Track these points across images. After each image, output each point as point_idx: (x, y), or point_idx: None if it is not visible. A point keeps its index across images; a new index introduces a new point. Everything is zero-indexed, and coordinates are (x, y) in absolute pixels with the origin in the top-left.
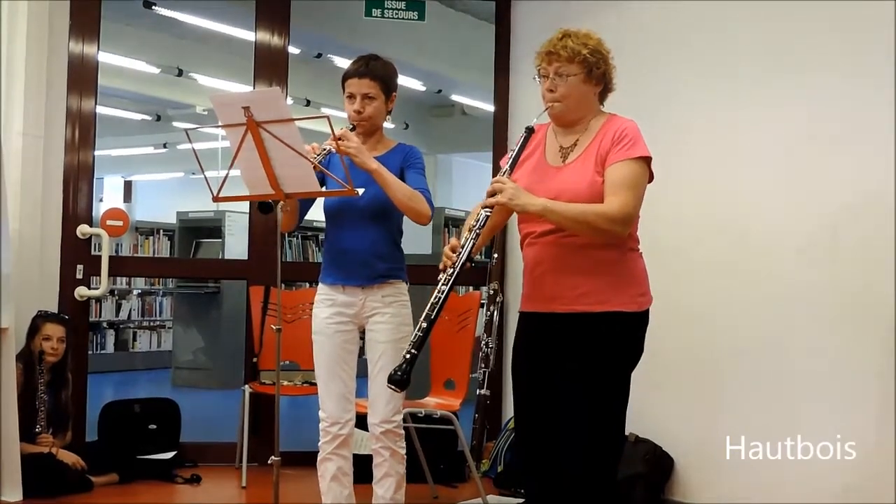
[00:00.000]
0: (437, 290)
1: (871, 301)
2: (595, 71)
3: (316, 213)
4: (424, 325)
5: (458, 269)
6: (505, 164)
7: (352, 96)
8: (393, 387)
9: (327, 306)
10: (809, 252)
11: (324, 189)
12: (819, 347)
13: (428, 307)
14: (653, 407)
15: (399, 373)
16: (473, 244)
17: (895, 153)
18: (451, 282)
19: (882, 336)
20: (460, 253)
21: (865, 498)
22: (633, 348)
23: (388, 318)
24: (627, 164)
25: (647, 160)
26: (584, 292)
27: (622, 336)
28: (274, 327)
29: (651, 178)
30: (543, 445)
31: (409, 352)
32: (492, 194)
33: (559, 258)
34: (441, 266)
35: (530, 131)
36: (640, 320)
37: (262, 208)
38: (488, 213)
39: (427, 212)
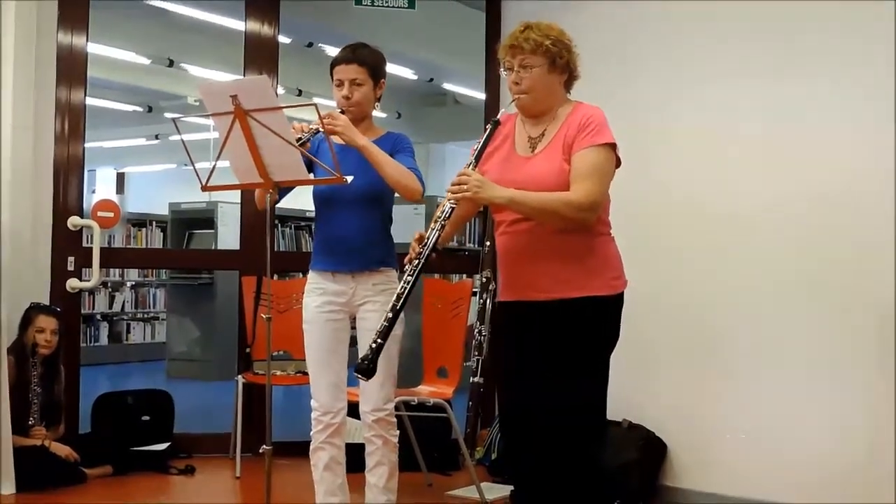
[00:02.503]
0: (402, 282)
1: (871, 300)
2: (559, 61)
3: (309, 203)
4: (390, 314)
5: (423, 260)
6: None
7: (340, 83)
8: (360, 375)
9: (318, 295)
10: (810, 249)
11: (312, 176)
12: (819, 346)
13: (394, 298)
14: (646, 393)
15: (365, 362)
16: (438, 235)
17: (895, 140)
18: (416, 272)
19: (882, 335)
20: (426, 244)
21: (865, 498)
22: (610, 331)
23: (379, 306)
24: (593, 151)
25: (612, 146)
26: (559, 280)
27: (599, 320)
28: (264, 317)
29: (618, 164)
30: (527, 433)
31: (374, 341)
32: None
33: (532, 246)
34: (407, 258)
35: (496, 123)
36: (615, 303)
37: None
38: (453, 206)
39: (418, 187)
